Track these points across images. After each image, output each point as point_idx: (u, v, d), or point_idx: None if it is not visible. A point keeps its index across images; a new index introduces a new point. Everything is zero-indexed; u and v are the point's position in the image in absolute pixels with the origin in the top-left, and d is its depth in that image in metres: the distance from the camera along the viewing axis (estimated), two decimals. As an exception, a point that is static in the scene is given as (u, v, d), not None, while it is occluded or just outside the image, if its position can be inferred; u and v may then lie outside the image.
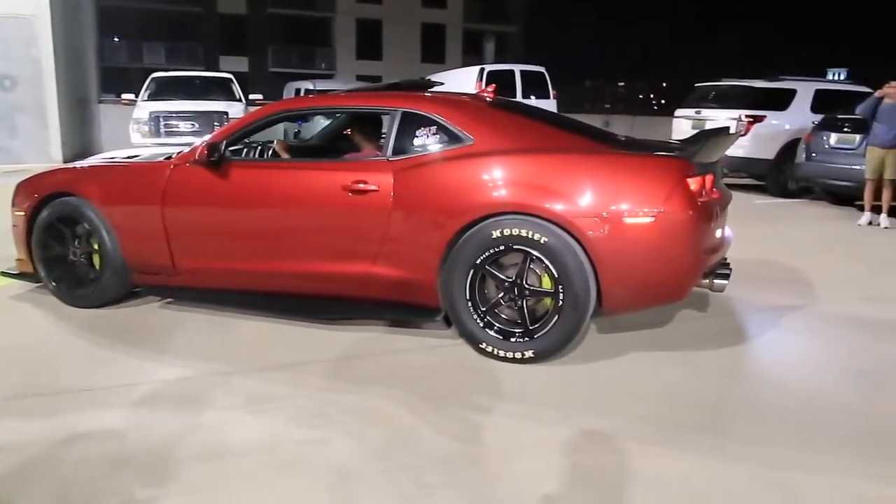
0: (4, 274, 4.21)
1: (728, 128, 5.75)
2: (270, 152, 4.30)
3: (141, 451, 2.39)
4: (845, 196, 8.49)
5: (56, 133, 12.72)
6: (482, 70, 13.53)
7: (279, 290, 3.67)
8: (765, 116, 9.51)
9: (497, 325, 3.23)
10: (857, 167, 7.67)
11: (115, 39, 31.69)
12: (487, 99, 4.00)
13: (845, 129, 8.30)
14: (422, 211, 3.28)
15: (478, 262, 3.17)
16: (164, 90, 11.82)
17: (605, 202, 3.03)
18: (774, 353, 3.52)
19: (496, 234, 3.12)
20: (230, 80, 12.75)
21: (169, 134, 10.84)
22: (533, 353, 3.16)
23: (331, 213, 3.44)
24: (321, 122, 5.52)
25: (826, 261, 5.64)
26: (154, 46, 33.85)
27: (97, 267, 3.92)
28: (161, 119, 10.85)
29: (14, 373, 3.09)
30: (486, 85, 12.25)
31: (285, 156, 4.09)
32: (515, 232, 3.09)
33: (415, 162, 3.35)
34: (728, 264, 3.57)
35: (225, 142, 3.66)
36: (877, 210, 7.31)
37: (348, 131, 4.91)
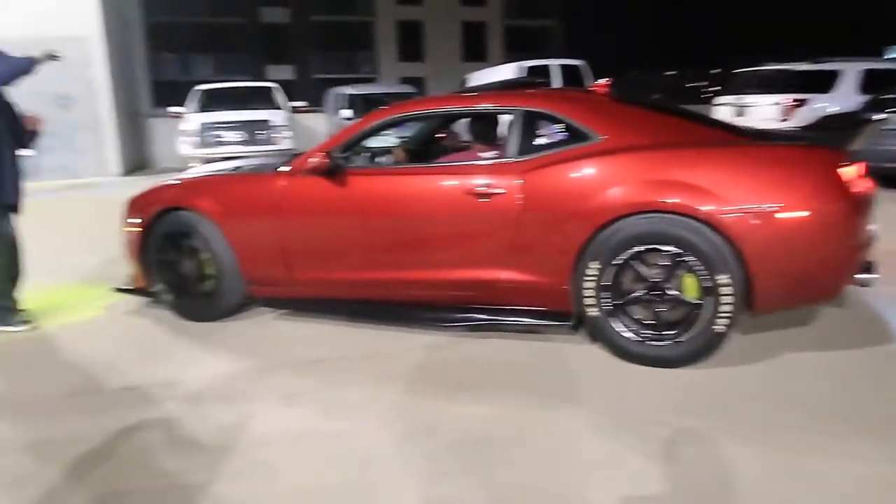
0: (119, 290, 4.34)
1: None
2: (388, 158, 4.32)
3: (190, 441, 2.59)
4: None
5: (113, 148, 13.34)
6: (520, 66, 13.54)
7: (399, 298, 3.65)
8: (806, 100, 9.28)
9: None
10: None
11: (166, 54, 32.76)
12: (608, 94, 3.83)
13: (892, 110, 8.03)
14: (552, 213, 3.18)
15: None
16: (210, 101, 12.25)
17: (754, 198, 2.89)
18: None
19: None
20: (273, 88, 13.12)
21: (216, 144, 11.25)
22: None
23: (454, 218, 3.37)
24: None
25: None
26: (202, 59, 34.88)
27: (211, 280, 3.94)
28: (208, 130, 11.25)
29: (87, 373, 3.35)
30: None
31: (405, 161, 4.11)
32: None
33: (542, 162, 3.25)
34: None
35: (337, 149, 3.68)
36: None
37: (443, 133, 4.95)
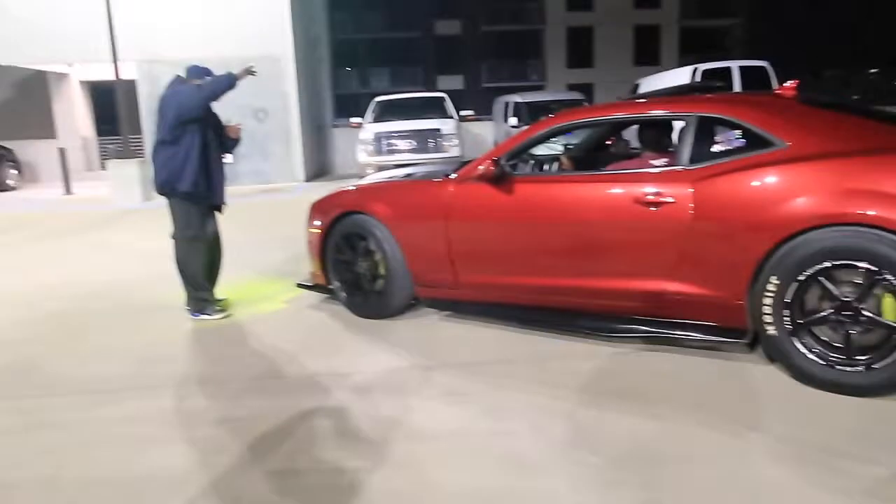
0: (300, 285, 4.74)
1: None
2: (554, 165, 4.37)
3: (352, 429, 2.76)
4: None
5: (299, 156, 14.57)
6: (695, 69, 12.86)
7: (562, 305, 3.63)
8: None
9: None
10: None
11: (346, 69, 35.11)
12: (795, 97, 3.55)
13: None
14: (728, 224, 3.01)
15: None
16: (385, 112, 12.95)
17: None
18: None
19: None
20: (443, 98, 13.59)
21: (390, 152, 11.85)
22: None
23: (621, 227, 3.30)
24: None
25: None
26: (380, 72, 36.97)
27: (383, 280, 4.16)
28: (383, 139, 11.89)
29: (269, 360, 3.70)
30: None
31: (571, 169, 4.13)
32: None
33: (717, 170, 3.09)
34: None
35: (505, 157, 3.73)
36: None
37: (610, 140, 4.94)
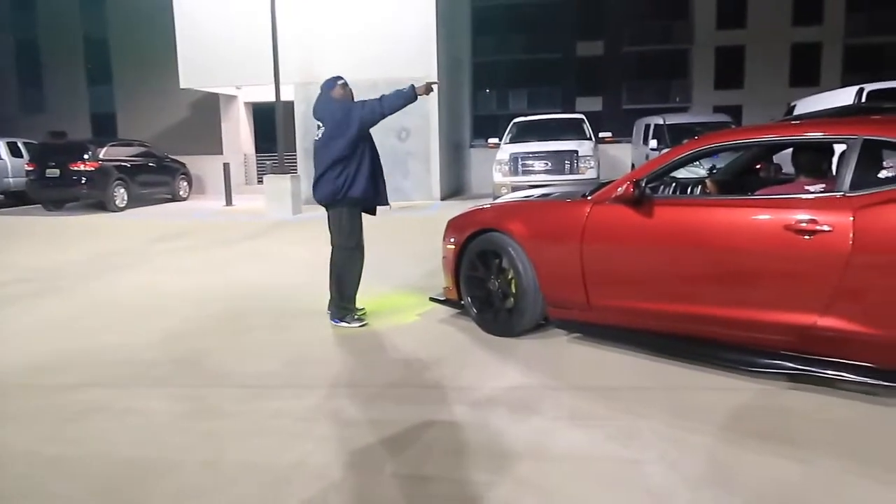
0: (433, 299, 4.91)
1: None
2: (699, 189, 4.31)
3: (479, 442, 2.81)
4: None
5: (437, 175, 15.02)
6: (860, 89, 11.84)
7: (700, 335, 3.48)
8: None
9: None
10: None
11: (486, 90, 35.74)
12: None
13: None
14: (891, 256, 2.83)
15: None
16: (523, 133, 13.04)
17: None
18: None
19: None
20: (582, 120, 13.47)
21: (525, 173, 11.91)
22: None
23: (769, 255, 3.15)
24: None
25: None
26: (518, 93, 37.25)
27: (514, 298, 4.19)
28: (519, 160, 11.98)
29: (401, 369, 3.87)
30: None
31: (717, 193, 4.03)
32: None
33: (884, 198, 2.88)
34: None
35: (646, 179, 3.68)
36: None
37: (760, 164, 4.76)
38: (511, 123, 13.62)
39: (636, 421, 2.95)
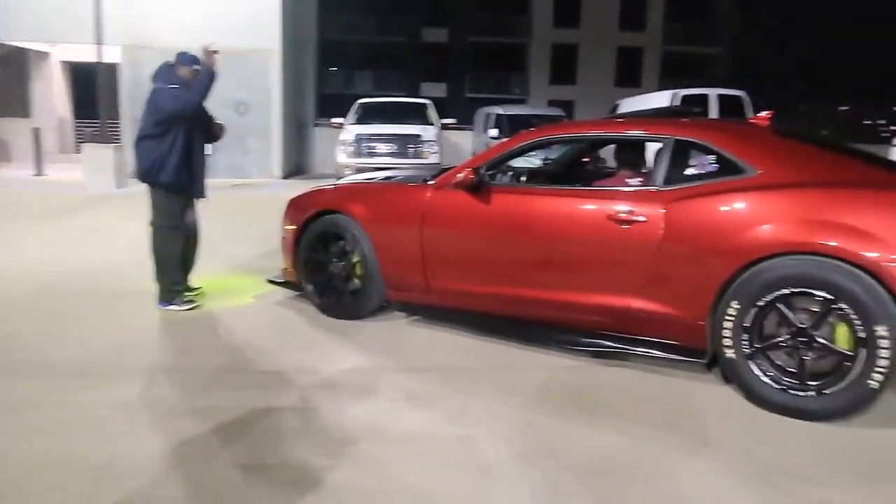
0: (271, 281, 4.74)
1: None
2: (533, 178, 4.45)
3: (318, 426, 2.78)
4: None
5: (278, 153, 14.50)
6: (675, 94, 13.11)
7: (530, 316, 3.67)
8: None
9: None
10: None
11: (332, 69, 35.01)
12: (769, 127, 3.70)
13: None
14: (695, 246, 3.10)
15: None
16: (368, 115, 12.95)
17: None
18: None
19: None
20: (427, 105, 13.64)
21: (370, 155, 11.85)
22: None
23: (593, 242, 3.37)
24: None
25: None
26: (364, 75, 36.90)
27: (355, 281, 4.17)
28: (363, 141, 11.89)
29: (236, 353, 3.71)
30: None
31: (548, 183, 4.17)
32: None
33: (689, 193, 3.18)
34: None
35: (486, 166, 3.78)
36: None
37: (586, 158, 5.02)
38: (356, 104, 13.47)
39: (470, 400, 3.07)
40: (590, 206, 3.44)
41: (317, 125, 17.90)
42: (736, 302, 2.98)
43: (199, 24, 13.24)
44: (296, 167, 15.90)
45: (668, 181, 3.31)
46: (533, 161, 5.90)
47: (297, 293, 4.57)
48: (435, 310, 4.03)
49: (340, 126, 12.92)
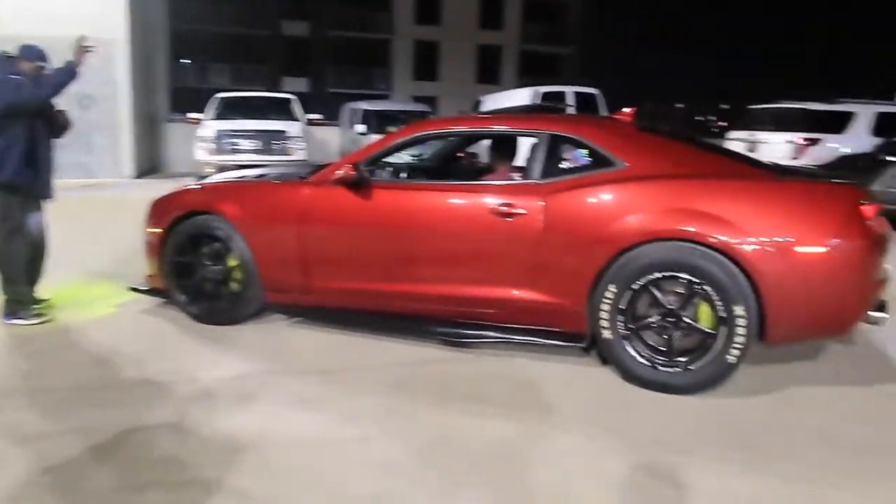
0: (134, 289, 4.35)
1: None
2: (407, 174, 4.38)
3: (201, 439, 2.61)
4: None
5: (128, 150, 13.45)
6: (535, 91, 13.65)
7: (414, 311, 3.66)
8: (819, 139, 9.35)
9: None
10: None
11: (185, 61, 33.12)
12: (632, 122, 3.89)
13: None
14: (572, 236, 3.23)
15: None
16: (228, 110, 12.35)
17: (775, 231, 2.96)
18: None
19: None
20: (291, 100, 13.24)
21: (232, 152, 11.33)
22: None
23: (475, 236, 3.42)
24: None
25: None
26: (221, 68, 35.24)
27: (230, 285, 3.97)
28: (224, 137, 11.34)
29: (100, 367, 3.38)
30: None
31: (426, 178, 4.13)
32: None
33: (565, 186, 3.31)
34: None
35: (363, 162, 3.71)
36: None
37: (461, 153, 5.03)
38: (215, 98, 12.82)
39: (361, 400, 3.02)
40: (473, 200, 3.49)
41: (170, 121, 16.84)
42: (613, 286, 3.15)
43: (39, 11, 12.05)
44: (148, 166, 14.85)
45: (545, 175, 3.43)
46: (403, 157, 5.90)
47: (165, 300, 4.27)
48: (318, 311, 3.91)
49: (198, 122, 12.23)
